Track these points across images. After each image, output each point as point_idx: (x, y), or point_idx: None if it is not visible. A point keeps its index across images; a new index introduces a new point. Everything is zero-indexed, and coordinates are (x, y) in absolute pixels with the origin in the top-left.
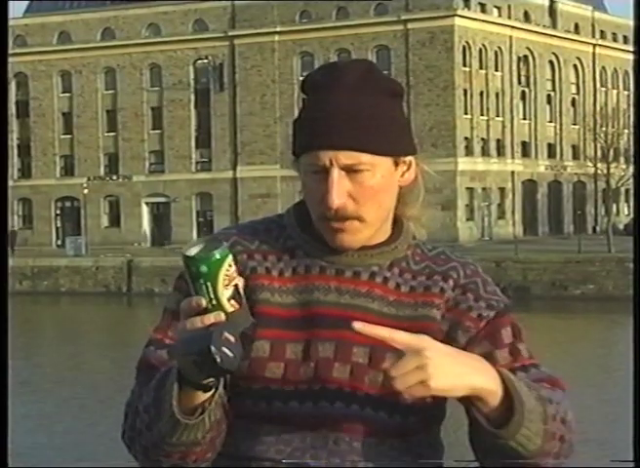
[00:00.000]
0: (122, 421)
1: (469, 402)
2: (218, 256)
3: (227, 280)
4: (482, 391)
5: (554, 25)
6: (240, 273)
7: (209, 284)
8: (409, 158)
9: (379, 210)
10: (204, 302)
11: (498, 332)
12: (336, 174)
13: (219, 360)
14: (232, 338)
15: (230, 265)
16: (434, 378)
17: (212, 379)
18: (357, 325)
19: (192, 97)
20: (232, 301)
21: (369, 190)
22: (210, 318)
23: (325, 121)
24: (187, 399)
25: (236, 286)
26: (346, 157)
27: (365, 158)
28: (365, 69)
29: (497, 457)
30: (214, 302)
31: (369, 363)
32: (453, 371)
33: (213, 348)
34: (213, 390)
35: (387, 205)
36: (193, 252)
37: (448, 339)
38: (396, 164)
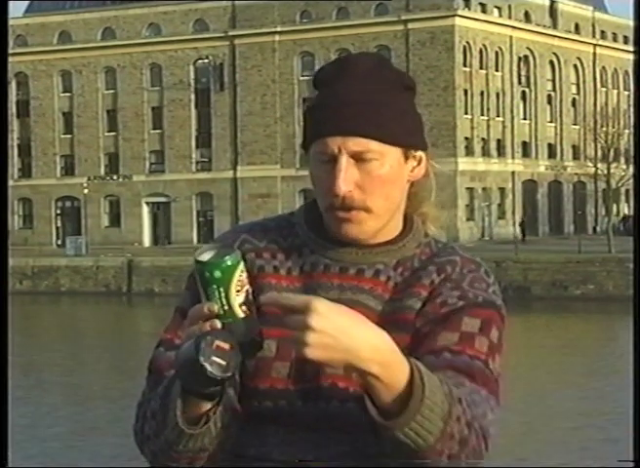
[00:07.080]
0: (133, 422)
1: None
2: (231, 262)
3: (240, 286)
4: (367, 376)
5: (555, 25)
6: (249, 272)
7: (222, 289)
8: (419, 153)
9: (386, 201)
10: (216, 308)
11: (457, 318)
12: (344, 160)
13: (209, 368)
14: (227, 346)
15: (243, 271)
16: (309, 348)
17: (217, 388)
18: (264, 298)
19: (193, 97)
20: (244, 307)
21: (377, 180)
22: (206, 326)
23: (334, 108)
24: (192, 408)
25: (247, 292)
26: (355, 144)
27: (373, 146)
28: (376, 61)
29: (385, 442)
30: (225, 308)
31: None
32: (333, 345)
33: (201, 358)
34: (217, 398)
35: (395, 197)
36: (206, 257)
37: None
38: (406, 157)
